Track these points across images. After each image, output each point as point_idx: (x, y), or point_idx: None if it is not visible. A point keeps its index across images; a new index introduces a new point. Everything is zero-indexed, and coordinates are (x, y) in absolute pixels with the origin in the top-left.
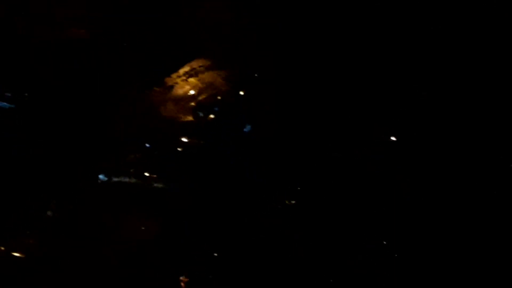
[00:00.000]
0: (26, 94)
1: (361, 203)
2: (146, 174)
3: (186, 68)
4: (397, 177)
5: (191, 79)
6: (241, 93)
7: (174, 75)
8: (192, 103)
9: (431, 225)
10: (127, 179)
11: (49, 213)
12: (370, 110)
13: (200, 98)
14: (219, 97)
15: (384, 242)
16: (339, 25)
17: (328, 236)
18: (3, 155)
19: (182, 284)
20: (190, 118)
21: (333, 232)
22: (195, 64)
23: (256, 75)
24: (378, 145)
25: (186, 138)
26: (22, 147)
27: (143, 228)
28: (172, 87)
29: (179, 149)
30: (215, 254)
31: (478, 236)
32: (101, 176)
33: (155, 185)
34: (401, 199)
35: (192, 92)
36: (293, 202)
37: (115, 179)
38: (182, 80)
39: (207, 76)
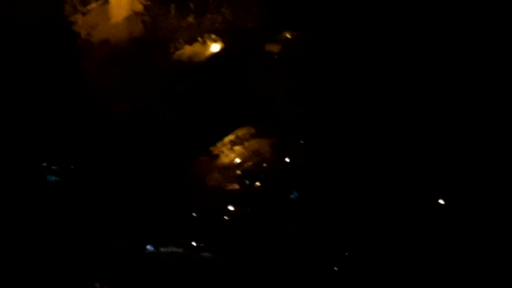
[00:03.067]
0: (72, 167)
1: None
2: (194, 243)
3: (231, 137)
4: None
5: (236, 147)
6: (287, 160)
7: (219, 144)
8: (238, 171)
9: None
10: (174, 249)
11: (97, 285)
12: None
13: (245, 166)
14: (264, 165)
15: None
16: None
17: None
18: (51, 227)
19: None
20: (236, 186)
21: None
22: (240, 132)
23: (301, 141)
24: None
25: (232, 206)
26: (72, 219)
27: None
28: (217, 155)
29: (226, 217)
30: None
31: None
32: (148, 247)
33: (203, 254)
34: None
35: (237, 160)
36: (338, 269)
37: (163, 249)
38: (228, 149)
39: (252, 144)
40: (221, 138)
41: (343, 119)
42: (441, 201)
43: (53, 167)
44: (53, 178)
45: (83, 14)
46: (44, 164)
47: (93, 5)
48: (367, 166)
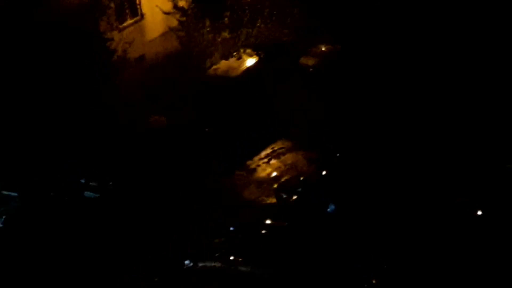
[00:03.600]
0: (111, 183)
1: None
2: (231, 257)
3: (267, 151)
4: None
5: (273, 161)
6: (324, 173)
7: (256, 158)
8: (275, 185)
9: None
10: (212, 264)
11: None
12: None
13: (282, 179)
14: (301, 178)
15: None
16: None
17: None
18: (91, 242)
19: None
20: (273, 200)
21: None
22: (277, 146)
23: (337, 154)
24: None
25: (270, 220)
26: (107, 234)
27: None
28: (254, 170)
29: (263, 231)
30: None
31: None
32: (187, 262)
33: (241, 268)
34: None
35: (274, 174)
36: (377, 282)
37: (201, 264)
38: (264, 163)
39: (289, 158)
40: (258, 152)
41: (378, 133)
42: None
43: (90, 184)
44: (91, 194)
45: (120, 30)
46: (82, 181)
47: (129, 21)
48: (403, 179)
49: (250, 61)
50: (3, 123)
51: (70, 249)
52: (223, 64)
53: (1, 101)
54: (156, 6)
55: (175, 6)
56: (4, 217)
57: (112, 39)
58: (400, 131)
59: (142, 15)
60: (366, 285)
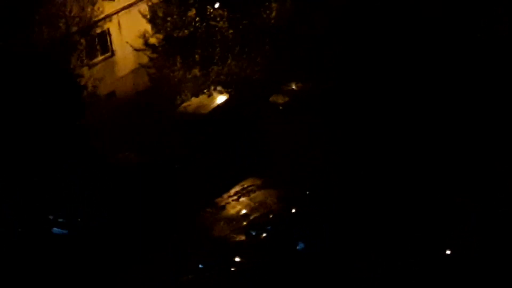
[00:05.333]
0: (79, 220)
1: None
2: None
3: (237, 188)
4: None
5: (243, 199)
6: (293, 211)
7: (225, 195)
8: (244, 223)
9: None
10: None
11: None
12: None
13: (252, 217)
14: (271, 216)
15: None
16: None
17: None
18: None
19: None
20: (242, 237)
21: None
22: (246, 183)
23: (307, 192)
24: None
25: (239, 257)
26: (77, 270)
27: None
28: (223, 207)
29: (232, 269)
30: None
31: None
32: None
33: None
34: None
35: (244, 211)
36: None
37: None
38: (234, 200)
39: (259, 195)
40: (227, 189)
41: (347, 168)
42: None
43: (59, 220)
44: (59, 231)
45: (90, 67)
46: (51, 217)
47: (100, 58)
48: (372, 215)
49: (220, 99)
50: None
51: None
52: (193, 101)
53: None
54: (127, 42)
55: (146, 43)
56: None
57: (82, 76)
58: (372, 168)
59: (113, 52)
60: None
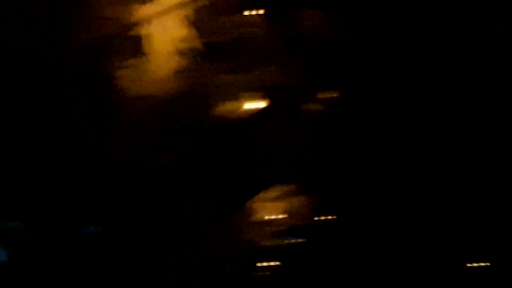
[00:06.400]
0: (106, 222)
1: None
2: None
3: (264, 194)
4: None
5: (269, 204)
6: (321, 218)
7: (251, 201)
8: (270, 229)
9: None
10: None
11: None
12: None
13: (278, 223)
14: (297, 223)
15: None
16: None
17: None
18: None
19: None
20: (268, 243)
21: None
22: (273, 190)
23: (334, 200)
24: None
25: (265, 262)
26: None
27: None
28: (249, 213)
29: (258, 273)
30: None
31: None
32: None
33: None
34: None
35: (270, 217)
36: None
37: None
38: (260, 206)
39: (286, 202)
40: (254, 195)
41: (379, 181)
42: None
43: (85, 228)
44: (91, 229)
45: (121, 68)
46: (75, 225)
47: (131, 60)
48: (402, 223)
49: (250, 105)
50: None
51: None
52: (227, 107)
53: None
54: (163, 46)
55: (182, 47)
56: (7, 250)
57: (116, 78)
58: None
59: (148, 55)
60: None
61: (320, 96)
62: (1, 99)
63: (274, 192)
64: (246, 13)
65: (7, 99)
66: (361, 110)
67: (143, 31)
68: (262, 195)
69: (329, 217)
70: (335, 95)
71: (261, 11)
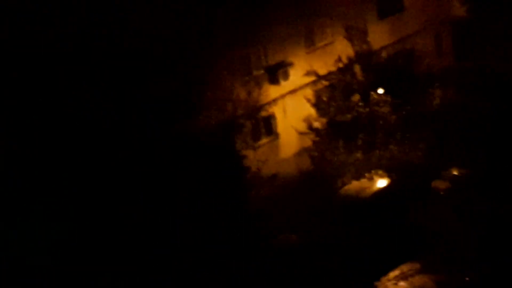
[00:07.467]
0: None
1: None
2: None
3: (396, 272)
4: None
5: (402, 283)
6: None
7: (384, 279)
8: None
9: None
10: None
11: None
12: None
13: None
14: None
15: None
16: None
17: None
18: None
19: None
20: None
21: None
22: (405, 267)
23: (466, 279)
24: None
25: None
26: None
27: None
28: None
29: None
30: None
31: None
32: None
33: None
34: None
35: None
36: None
37: None
38: (392, 284)
39: (417, 280)
40: (386, 273)
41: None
42: None
43: None
44: None
45: (254, 149)
46: None
47: (264, 140)
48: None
49: (381, 183)
50: None
51: None
52: (354, 185)
53: None
54: (291, 126)
55: (310, 127)
56: None
57: (246, 157)
58: None
59: (277, 135)
60: None
61: (450, 174)
62: None
63: (407, 269)
64: (372, 92)
65: None
66: (494, 190)
67: (275, 111)
68: (395, 273)
69: None
70: (466, 172)
71: (384, 91)
